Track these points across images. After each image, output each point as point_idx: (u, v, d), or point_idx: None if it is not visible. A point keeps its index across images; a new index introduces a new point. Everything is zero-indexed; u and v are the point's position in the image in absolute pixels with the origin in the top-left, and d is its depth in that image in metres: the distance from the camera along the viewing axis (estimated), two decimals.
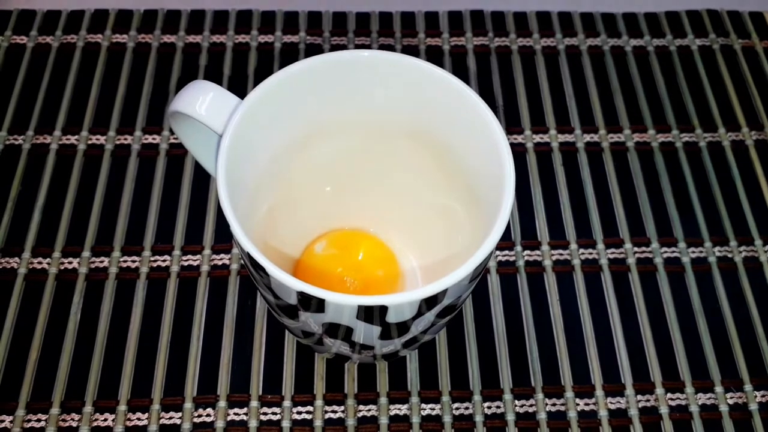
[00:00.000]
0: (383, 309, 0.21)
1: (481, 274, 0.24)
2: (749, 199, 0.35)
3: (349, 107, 0.27)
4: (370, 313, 0.22)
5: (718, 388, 0.31)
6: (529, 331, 0.31)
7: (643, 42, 0.40)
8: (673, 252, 0.34)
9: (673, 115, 0.38)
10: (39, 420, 0.29)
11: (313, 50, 0.39)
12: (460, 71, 0.39)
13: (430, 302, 0.22)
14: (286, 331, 0.31)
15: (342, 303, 0.21)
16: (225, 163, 0.23)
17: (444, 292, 0.22)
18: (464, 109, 0.25)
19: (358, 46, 0.39)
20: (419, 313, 0.23)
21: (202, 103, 0.24)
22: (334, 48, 0.39)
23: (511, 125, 0.37)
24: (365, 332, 0.24)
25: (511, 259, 0.33)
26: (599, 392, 0.30)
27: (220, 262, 0.33)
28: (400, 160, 0.29)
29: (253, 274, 0.24)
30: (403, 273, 0.31)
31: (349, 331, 0.23)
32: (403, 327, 0.24)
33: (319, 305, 0.21)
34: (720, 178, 0.36)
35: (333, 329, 0.24)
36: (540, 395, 0.30)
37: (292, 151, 0.27)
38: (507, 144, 0.23)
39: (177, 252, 0.33)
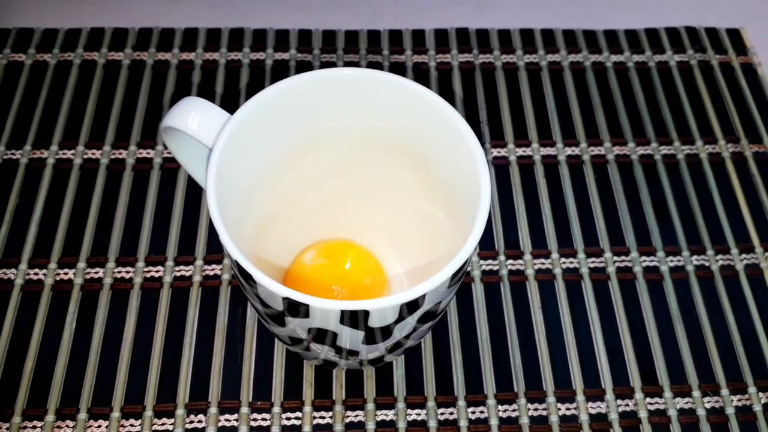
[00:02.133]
0: (365, 313, 0.22)
1: (460, 281, 0.25)
2: (726, 209, 0.37)
3: (333, 122, 0.28)
4: (353, 318, 0.23)
5: (696, 393, 0.32)
6: (512, 338, 0.32)
7: (623, 58, 0.42)
8: (652, 261, 0.35)
9: (652, 128, 0.39)
10: (35, 427, 0.30)
11: (304, 67, 0.41)
12: (445, 87, 0.40)
13: (410, 307, 0.23)
14: (276, 339, 0.32)
15: (325, 308, 0.22)
16: (214, 176, 0.24)
17: (423, 297, 0.23)
18: (441, 121, 0.26)
19: (347, 63, 0.41)
20: (401, 318, 0.24)
21: (193, 119, 0.25)
22: (324, 65, 0.41)
23: (495, 139, 0.38)
24: (350, 337, 0.24)
25: (495, 268, 0.34)
26: (580, 397, 0.31)
27: (211, 273, 0.34)
28: (384, 172, 0.30)
29: (242, 283, 0.25)
30: (389, 281, 0.32)
31: (335, 336, 0.24)
32: (386, 331, 0.25)
33: (304, 311, 0.22)
34: (697, 190, 0.37)
35: (320, 335, 0.25)
36: (522, 400, 0.31)
37: (280, 164, 0.29)
38: (483, 155, 0.25)
39: (170, 263, 0.34)
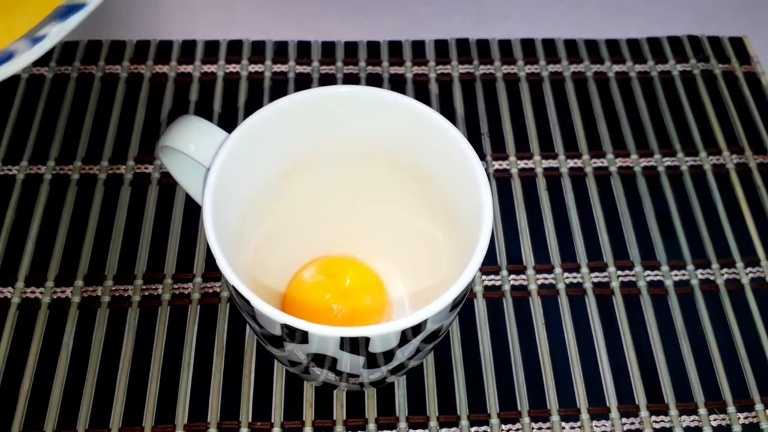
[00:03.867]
0: (366, 339, 0.22)
1: (462, 303, 0.25)
2: (730, 221, 0.36)
3: (333, 139, 0.28)
4: (353, 344, 0.22)
5: (702, 411, 0.31)
6: (515, 355, 0.32)
7: (625, 68, 0.41)
8: (656, 275, 0.34)
9: (655, 139, 0.39)
10: None
11: (303, 79, 0.40)
12: (445, 98, 0.40)
13: (414, 330, 0.23)
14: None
15: (324, 335, 0.21)
16: (211, 197, 0.24)
17: (425, 322, 0.22)
18: (441, 141, 0.26)
19: (346, 75, 0.40)
20: (403, 341, 0.23)
21: (190, 138, 0.25)
22: (323, 76, 0.40)
23: (496, 151, 0.38)
24: (351, 362, 0.24)
25: (497, 283, 0.34)
26: (584, 415, 0.31)
27: (210, 290, 0.33)
28: (384, 189, 0.29)
29: (239, 305, 0.24)
30: (392, 301, 0.32)
31: (335, 361, 0.24)
32: (389, 355, 0.24)
33: (302, 337, 0.22)
34: (702, 202, 0.37)
35: (319, 359, 0.24)
36: (526, 419, 0.31)
37: (279, 182, 0.28)
38: (485, 176, 0.24)
39: (168, 280, 0.33)
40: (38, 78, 0.39)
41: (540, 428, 0.30)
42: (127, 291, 0.33)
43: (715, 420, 0.31)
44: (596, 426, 0.31)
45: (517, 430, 0.30)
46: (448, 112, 0.39)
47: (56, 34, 0.21)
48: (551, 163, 0.38)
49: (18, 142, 0.37)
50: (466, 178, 0.25)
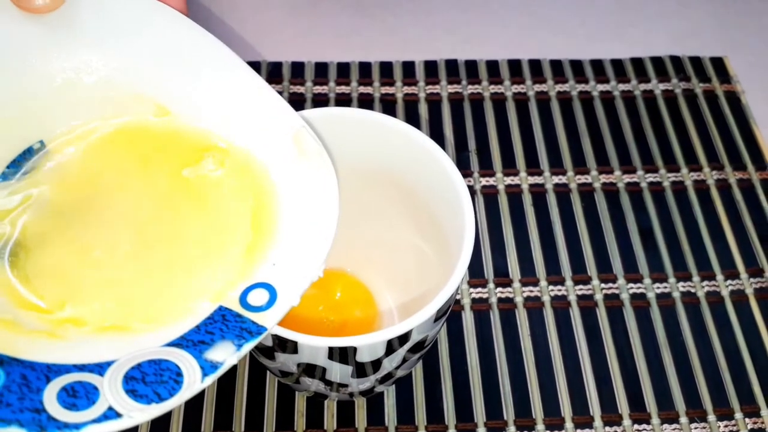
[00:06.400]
0: (354, 349, 0.23)
1: (447, 314, 0.26)
2: (711, 236, 0.37)
3: None
4: (341, 354, 0.23)
5: (683, 419, 0.32)
6: (502, 365, 0.33)
7: (609, 87, 0.43)
8: (639, 288, 0.35)
9: (638, 156, 0.40)
10: None
11: (296, 98, 0.41)
12: (435, 117, 0.41)
13: (400, 340, 0.24)
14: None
15: (313, 345, 0.22)
16: None
17: (410, 332, 0.23)
18: (427, 160, 0.27)
19: (339, 95, 0.42)
20: (390, 351, 0.24)
21: None
22: (317, 96, 0.42)
23: (484, 168, 0.39)
24: (340, 372, 0.25)
25: (485, 296, 0.35)
26: (569, 424, 0.32)
27: None
28: (373, 205, 0.31)
29: None
30: (382, 313, 0.33)
31: (324, 370, 0.25)
32: (376, 364, 0.25)
33: (292, 347, 0.23)
34: (683, 217, 0.38)
35: (309, 369, 0.25)
36: (512, 428, 0.31)
37: None
38: (467, 194, 0.25)
39: None
40: None
41: None
42: None
43: (695, 428, 0.32)
44: None
45: None
46: (437, 130, 0.40)
47: (229, 362, 0.20)
48: (537, 179, 0.39)
49: None
50: (450, 195, 0.26)
